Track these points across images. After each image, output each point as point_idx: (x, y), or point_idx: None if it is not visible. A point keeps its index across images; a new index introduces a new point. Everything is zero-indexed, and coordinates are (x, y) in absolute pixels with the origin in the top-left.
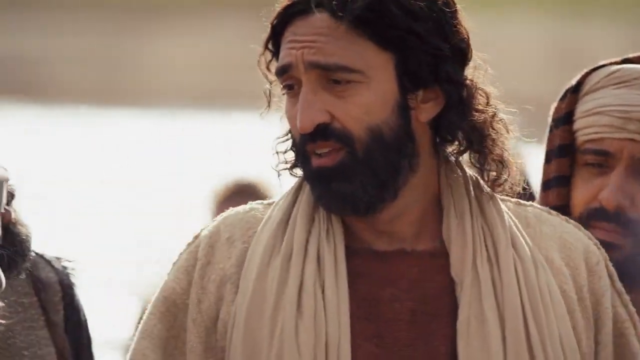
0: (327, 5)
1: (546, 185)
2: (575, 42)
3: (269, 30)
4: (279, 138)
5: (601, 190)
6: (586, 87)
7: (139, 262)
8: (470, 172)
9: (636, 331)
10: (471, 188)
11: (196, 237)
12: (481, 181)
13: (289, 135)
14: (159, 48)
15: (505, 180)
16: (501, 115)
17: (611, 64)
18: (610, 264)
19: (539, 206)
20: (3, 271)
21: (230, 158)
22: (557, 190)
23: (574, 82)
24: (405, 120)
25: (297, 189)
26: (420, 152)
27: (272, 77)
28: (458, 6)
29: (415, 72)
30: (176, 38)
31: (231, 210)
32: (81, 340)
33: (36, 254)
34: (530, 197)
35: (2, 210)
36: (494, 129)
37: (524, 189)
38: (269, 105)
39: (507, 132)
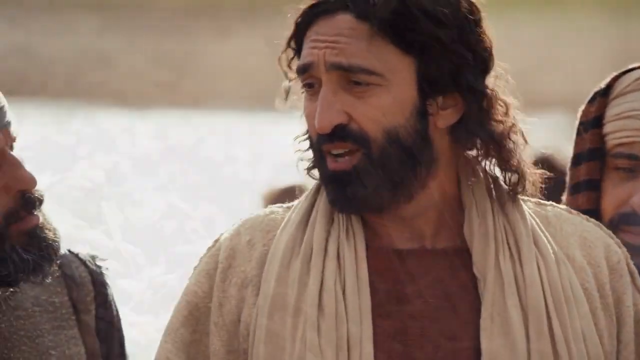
0: (352, 6)
1: (575, 188)
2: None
3: (292, 27)
4: (298, 137)
5: (632, 194)
6: (616, 90)
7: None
8: (490, 172)
9: None
10: (492, 188)
11: (217, 241)
12: (501, 181)
13: (307, 134)
14: (219, 50)
15: (523, 189)
16: (520, 125)
17: None
18: (631, 263)
19: (558, 205)
20: (28, 275)
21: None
22: (588, 194)
23: (603, 85)
24: (422, 125)
25: (316, 191)
26: (438, 157)
27: (292, 75)
28: (483, 14)
29: (436, 78)
30: (235, 40)
31: (251, 214)
32: (112, 341)
33: (70, 252)
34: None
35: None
36: (511, 139)
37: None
38: (285, 99)
39: (525, 142)
